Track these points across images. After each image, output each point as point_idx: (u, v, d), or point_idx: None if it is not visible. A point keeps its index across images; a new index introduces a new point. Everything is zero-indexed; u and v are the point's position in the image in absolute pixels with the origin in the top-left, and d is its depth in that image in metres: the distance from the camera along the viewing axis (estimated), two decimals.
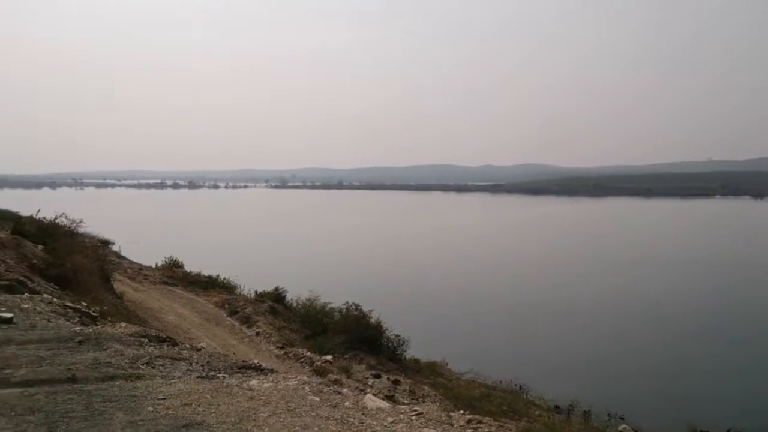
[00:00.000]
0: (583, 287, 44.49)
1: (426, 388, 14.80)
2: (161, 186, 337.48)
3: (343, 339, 16.52)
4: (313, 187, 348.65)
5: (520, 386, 19.69)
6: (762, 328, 32.18)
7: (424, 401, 12.84)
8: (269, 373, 5.77)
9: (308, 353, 14.52)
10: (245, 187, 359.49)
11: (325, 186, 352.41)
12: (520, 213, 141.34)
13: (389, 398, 11.72)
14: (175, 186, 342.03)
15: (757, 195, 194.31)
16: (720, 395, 22.52)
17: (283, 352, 14.74)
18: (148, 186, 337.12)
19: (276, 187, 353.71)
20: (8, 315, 6.43)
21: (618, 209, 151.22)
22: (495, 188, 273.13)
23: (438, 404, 11.52)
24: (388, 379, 14.50)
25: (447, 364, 20.59)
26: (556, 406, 18.53)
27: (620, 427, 16.97)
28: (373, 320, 17.76)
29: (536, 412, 17.08)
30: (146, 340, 6.44)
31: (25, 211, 21.53)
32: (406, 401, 12.00)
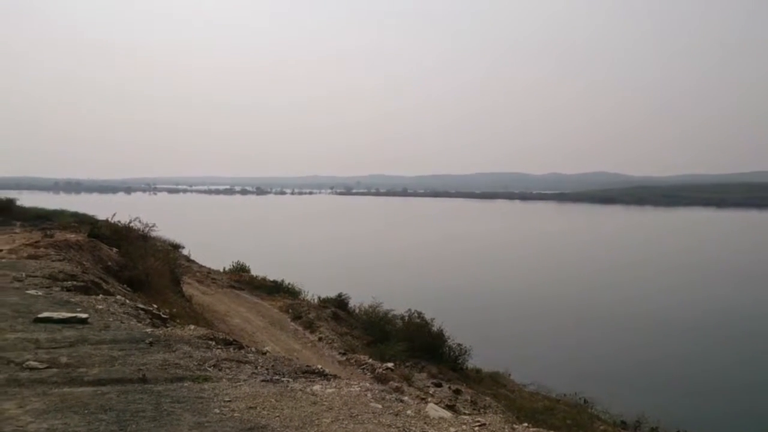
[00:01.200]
0: (657, 301, 42.76)
1: (488, 398, 14.54)
2: (230, 192, 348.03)
3: (405, 347, 16.47)
4: (378, 194, 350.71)
5: (585, 400, 19.12)
6: None
7: (486, 412, 12.61)
8: (332, 379, 5.78)
9: (370, 360, 14.54)
10: (311, 193, 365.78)
11: (390, 193, 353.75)
12: (588, 222, 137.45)
13: (450, 408, 11.58)
14: (243, 192, 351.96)
15: None
16: None
17: (345, 358, 14.82)
18: (218, 192, 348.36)
19: (341, 193, 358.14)
20: (84, 315, 6.73)
21: (692, 219, 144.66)
22: (561, 197, 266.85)
23: (501, 415, 11.29)
24: (450, 388, 14.35)
25: (510, 375, 20.20)
26: (623, 422, 17.88)
27: None
28: (435, 328, 17.65)
29: (601, 427, 16.53)
30: (213, 343, 6.58)
31: (101, 215, 22.53)
32: (467, 411, 11.82)
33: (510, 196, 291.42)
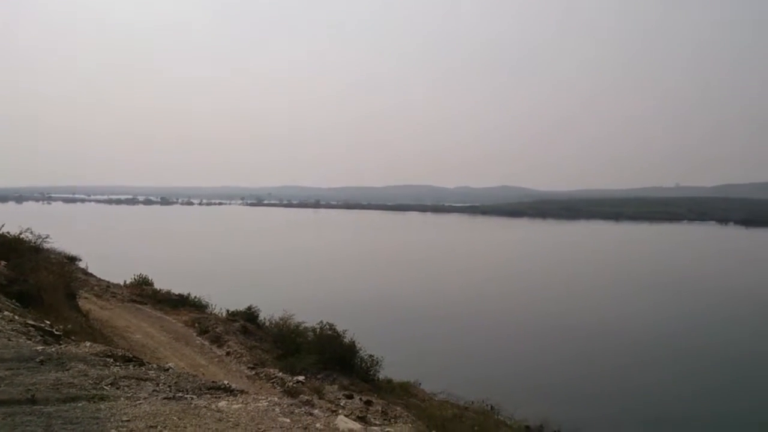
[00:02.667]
0: (556, 309, 44.83)
1: (399, 408, 14.63)
2: (133, 202, 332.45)
3: (316, 359, 16.31)
4: (290, 205, 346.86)
5: (492, 406, 19.67)
6: (729, 351, 32.74)
7: (396, 422, 12.69)
8: (239, 394, 5.63)
9: (280, 373, 14.28)
10: (220, 204, 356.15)
11: (302, 204, 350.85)
12: (495, 235, 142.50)
13: (361, 419, 11.57)
14: (148, 202, 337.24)
15: (722, 220, 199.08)
16: (689, 417, 22.75)
17: (254, 372, 14.47)
18: (119, 201, 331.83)
19: (252, 204, 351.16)
20: None
21: (588, 232, 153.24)
22: (472, 209, 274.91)
23: (410, 425, 11.40)
24: (361, 399, 14.33)
25: (420, 384, 20.48)
26: (527, 426, 18.54)
27: None
28: (347, 340, 17.61)
29: None
30: (111, 360, 6.24)
31: None
32: (378, 422, 11.85)
33: (422, 208, 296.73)
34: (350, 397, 14.32)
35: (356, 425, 5.02)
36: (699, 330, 38.26)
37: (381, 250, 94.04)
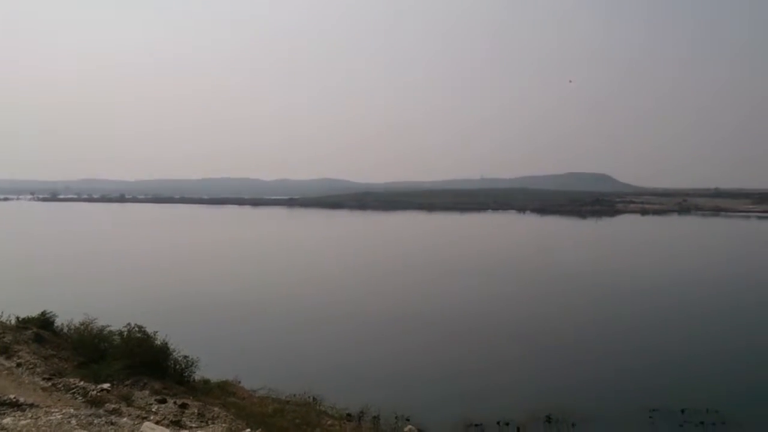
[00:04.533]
0: (369, 292, 46.59)
1: (216, 409, 14.20)
2: None
3: (124, 364, 15.17)
4: (91, 199, 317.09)
5: (314, 398, 19.93)
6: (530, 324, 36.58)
7: (213, 423, 12.32)
8: (28, 409, 5.07)
9: (81, 383, 13.06)
10: (5, 199, 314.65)
11: (105, 198, 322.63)
12: (316, 226, 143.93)
13: (176, 423, 11.06)
14: None
15: (521, 209, 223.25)
16: (492, 391, 25.00)
17: (50, 383, 13.07)
18: None
19: (44, 199, 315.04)
20: None
21: (404, 221, 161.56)
22: (291, 202, 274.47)
23: (227, 425, 11.15)
24: (175, 403, 13.65)
25: (239, 382, 20.08)
26: (348, 414, 19.10)
27: (406, 428, 18.05)
28: (158, 342, 16.63)
29: (329, 422, 17.43)
30: None
31: None
32: (194, 425, 11.41)
33: (240, 201, 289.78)
34: (163, 401, 13.58)
35: (165, 430, 4.79)
36: (488, 307, 42.18)
37: (198, 245, 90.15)
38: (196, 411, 13.49)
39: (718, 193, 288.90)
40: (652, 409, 22.15)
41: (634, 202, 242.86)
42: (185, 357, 17.10)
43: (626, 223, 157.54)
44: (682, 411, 21.86)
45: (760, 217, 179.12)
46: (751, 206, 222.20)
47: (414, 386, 25.16)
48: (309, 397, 20.09)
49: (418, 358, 29.69)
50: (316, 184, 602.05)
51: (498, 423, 21.27)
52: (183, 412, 13.11)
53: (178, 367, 16.86)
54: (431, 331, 34.91)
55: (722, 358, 29.05)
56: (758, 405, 22.53)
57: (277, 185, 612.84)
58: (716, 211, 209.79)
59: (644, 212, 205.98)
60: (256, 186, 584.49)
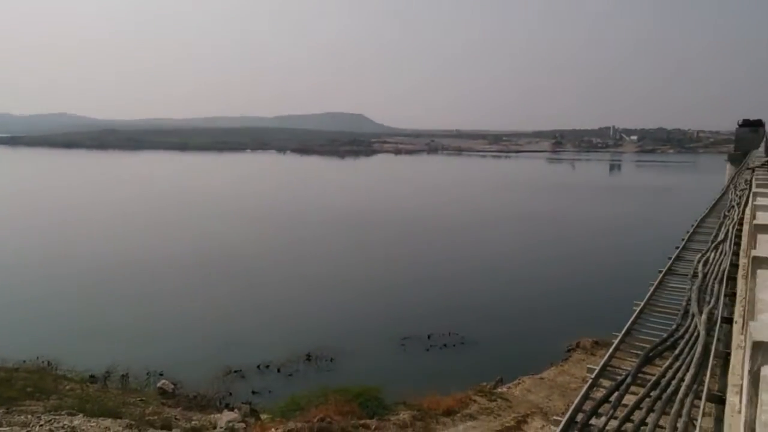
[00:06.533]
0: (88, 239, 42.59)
1: None
2: None
3: None
4: None
5: (49, 362, 17.52)
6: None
7: None
8: None
9: None
10: None
11: None
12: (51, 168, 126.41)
13: None
14: None
15: (281, 149, 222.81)
16: (251, 335, 24.59)
17: None
18: None
19: None
20: None
21: (156, 161, 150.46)
22: (13, 141, 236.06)
23: None
24: None
25: None
26: (91, 376, 17.16)
27: (159, 383, 16.83)
28: None
29: (68, 387, 15.48)
30: None
31: None
32: None
33: None
34: None
35: None
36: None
37: None
38: None
39: (459, 134, 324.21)
40: (404, 337, 24.02)
41: (388, 142, 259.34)
42: None
43: (381, 162, 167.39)
44: (429, 336, 24.14)
45: (495, 156, 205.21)
46: (486, 146, 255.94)
47: (166, 340, 23.61)
48: (44, 361, 17.58)
49: (168, 309, 27.93)
50: (46, 120, 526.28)
51: (258, 366, 21.11)
52: None
53: None
54: (184, 278, 33.08)
55: (461, 288, 32.36)
56: (489, 326, 25.67)
57: None
58: (459, 150, 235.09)
59: (398, 152, 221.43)
60: None
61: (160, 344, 22.83)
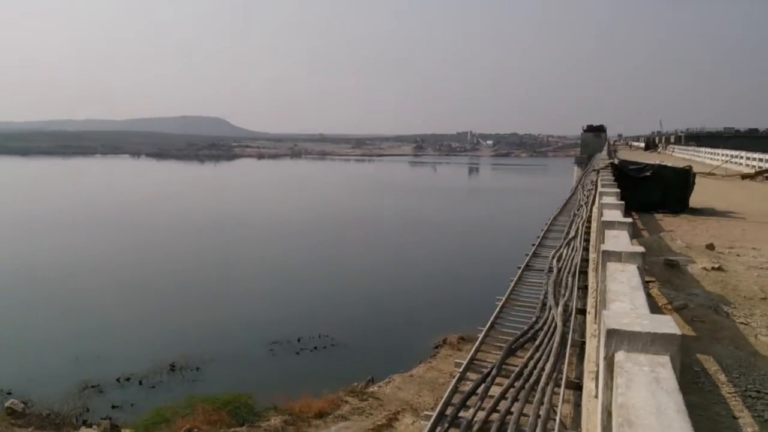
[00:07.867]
0: None
1: None
2: None
3: None
4: None
5: None
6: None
7: None
8: None
9: None
10: None
11: None
12: None
13: None
14: None
15: (135, 153, 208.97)
16: (111, 348, 22.94)
17: None
18: None
19: None
20: None
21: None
22: None
23: None
24: None
25: None
26: None
27: (7, 403, 15.55)
28: None
29: None
30: None
31: None
32: None
33: None
34: None
35: None
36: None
37: None
38: None
39: (323, 139, 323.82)
40: (273, 341, 23.55)
41: (250, 147, 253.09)
42: None
43: (244, 167, 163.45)
44: (299, 339, 23.85)
45: (358, 160, 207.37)
46: (350, 150, 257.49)
47: (14, 357, 21.47)
48: None
49: (14, 324, 25.34)
50: None
51: (118, 380, 19.88)
52: None
53: None
54: (30, 291, 30.13)
55: (329, 290, 32.24)
56: (358, 327, 25.85)
57: None
58: (322, 155, 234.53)
59: (261, 156, 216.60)
60: None
61: (6, 362, 20.69)
